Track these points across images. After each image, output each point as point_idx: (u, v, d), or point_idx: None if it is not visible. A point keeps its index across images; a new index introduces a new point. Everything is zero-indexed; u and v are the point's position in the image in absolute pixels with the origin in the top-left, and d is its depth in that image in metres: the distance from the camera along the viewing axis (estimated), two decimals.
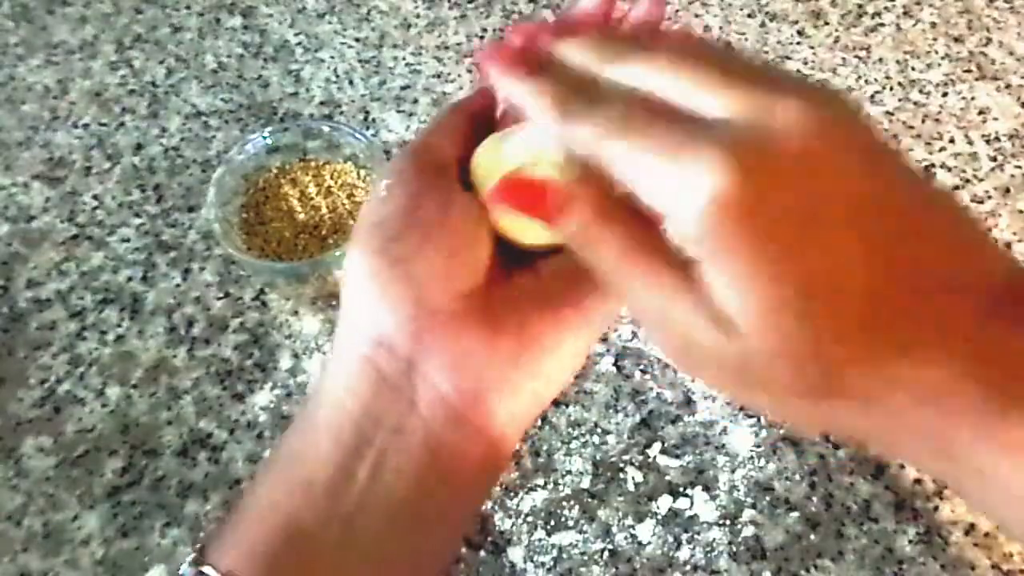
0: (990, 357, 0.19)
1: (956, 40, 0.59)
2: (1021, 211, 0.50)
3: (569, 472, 0.41)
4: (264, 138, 0.48)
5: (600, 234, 0.21)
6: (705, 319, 0.20)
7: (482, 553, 0.39)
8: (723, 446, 0.41)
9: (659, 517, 0.39)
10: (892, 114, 0.54)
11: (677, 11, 0.61)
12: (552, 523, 0.39)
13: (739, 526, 0.39)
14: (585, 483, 0.40)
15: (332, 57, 0.59)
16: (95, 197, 0.52)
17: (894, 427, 0.20)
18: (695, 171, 0.19)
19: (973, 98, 0.55)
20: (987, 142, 0.53)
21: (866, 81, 0.56)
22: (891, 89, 0.56)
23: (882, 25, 0.60)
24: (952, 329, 0.19)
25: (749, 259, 0.18)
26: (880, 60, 0.58)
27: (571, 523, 0.39)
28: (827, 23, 0.60)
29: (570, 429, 0.42)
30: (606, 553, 0.39)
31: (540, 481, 0.41)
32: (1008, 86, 0.56)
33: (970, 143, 0.53)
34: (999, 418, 0.19)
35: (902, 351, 0.19)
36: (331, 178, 0.48)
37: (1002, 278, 0.20)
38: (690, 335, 0.20)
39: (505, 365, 0.25)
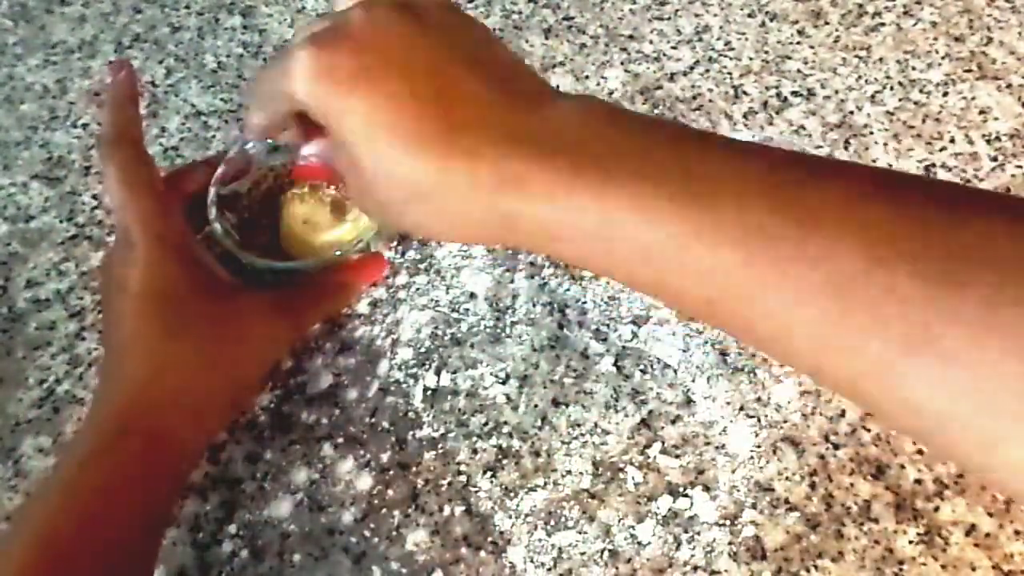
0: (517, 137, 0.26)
1: (957, 40, 0.58)
2: None
3: (569, 472, 0.41)
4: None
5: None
6: (346, 163, 0.29)
7: (482, 553, 0.39)
8: (723, 446, 0.41)
9: (659, 517, 0.39)
10: (892, 114, 0.54)
11: (677, 11, 0.61)
12: (552, 523, 0.39)
13: (739, 526, 0.39)
14: (585, 483, 0.40)
15: None
16: (94, 197, 0.52)
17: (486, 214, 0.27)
18: (289, 62, 0.28)
19: (974, 98, 0.55)
20: (988, 142, 0.53)
21: (866, 81, 0.56)
22: (891, 89, 0.56)
23: (882, 25, 0.60)
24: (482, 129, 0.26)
25: (338, 107, 0.27)
26: (880, 60, 0.57)
27: (571, 523, 0.39)
28: (827, 23, 0.60)
29: (570, 429, 0.42)
30: (606, 553, 0.39)
31: (540, 481, 0.41)
32: (1009, 86, 0.56)
33: (971, 143, 0.53)
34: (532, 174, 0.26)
35: (458, 148, 0.26)
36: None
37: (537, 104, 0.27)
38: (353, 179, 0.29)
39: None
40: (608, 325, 0.45)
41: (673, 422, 0.42)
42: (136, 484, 0.34)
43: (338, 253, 0.44)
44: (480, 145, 0.26)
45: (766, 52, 0.58)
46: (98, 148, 0.52)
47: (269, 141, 0.48)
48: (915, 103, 0.55)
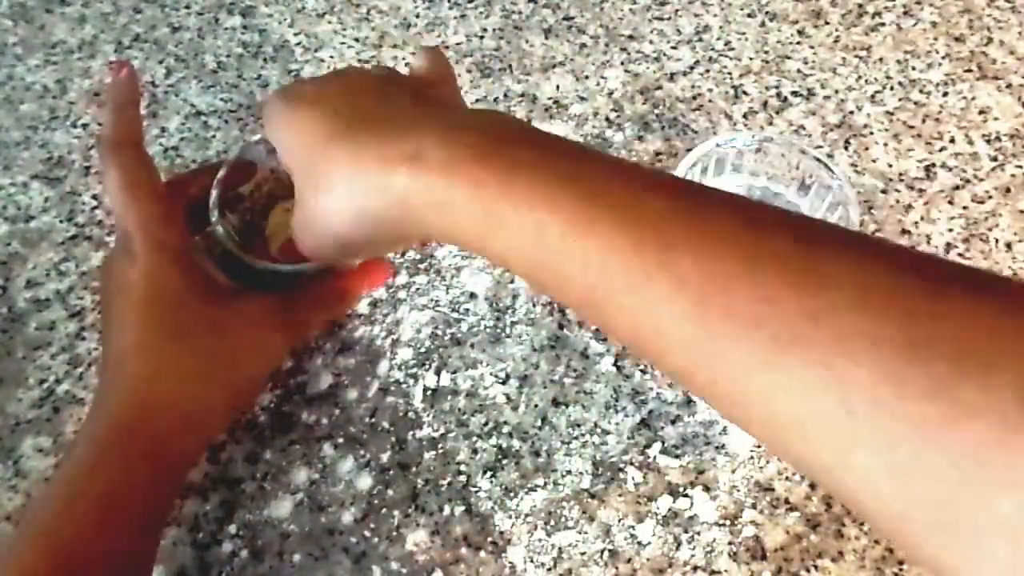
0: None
1: (957, 40, 0.59)
2: (1022, 211, 0.50)
3: (569, 472, 0.41)
4: (265, 139, 0.48)
5: None
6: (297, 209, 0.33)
7: (482, 553, 0.39)
8: (723, 446, 0.41)
9: (659, 517, 0.39)
10: (892, 114, 0.54)
11: (677, 11, 0.61)
12: (552, 523, 0.39)
13: (739, 526, 0.39)
14: (585, 483, 0.40)
15: (332, 57, 0.59)
16: (94, 197, 0.52)
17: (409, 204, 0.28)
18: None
19: (974, 98, 0.55)
20: (988, 142, 0.53)
21: (866, 81, 0.56)
22: (891, 89, 0.56)
23: (882, 25, 0.60)
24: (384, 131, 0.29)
25: (277, 127, 0.33)
26: (880, 60, 0.57)
27: (571, 523, 0.39)
28: (827, 23, 0.60)
29: (570, 429, 0.42)
30: (606, 553, 0.39)
31: (540, 481, 0.41)
32: (1009, 86, 0.56)
33: (971, 143, 0.53)
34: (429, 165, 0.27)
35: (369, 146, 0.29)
36: None
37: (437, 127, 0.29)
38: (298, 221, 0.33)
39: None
40: None
41: (673, 422, 0.42)
42: (137, 488, 0.35)
43: None
44: (385, 130, 0.29)
45: (766, 52, 0.58)
46: (99, 150, 0.51)
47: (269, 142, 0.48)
48: (915, 103, 0.55)
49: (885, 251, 0.23)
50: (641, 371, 0.44)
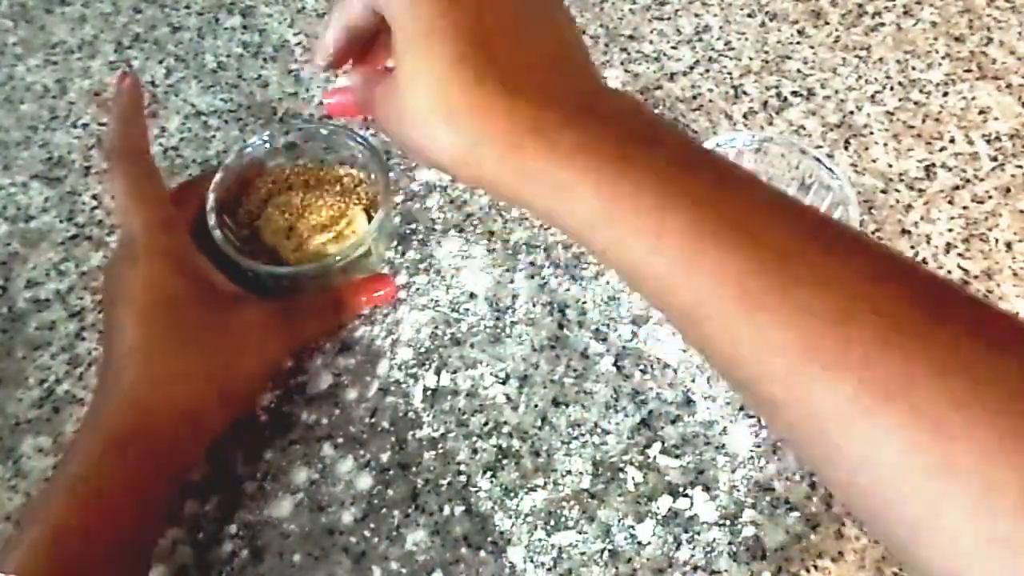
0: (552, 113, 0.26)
1: (957, 40, 0.59)
2: (1022, 211, 0.50)
3: (569, 472, 0.41)
4: (263, 141, 0.48)
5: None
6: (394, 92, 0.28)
7: (482, 553, 0.39)
8: (723, 446, 0.41)
9: (659, 517, 0.39)
10: (892, 114, 0.54)
11: (677, 11, 0.61)
12: (552, 523, 0.39)
13: (739, 526, 0.39)
14: (585, 483, 0.40)
15: None
16: (94, 197, 0.52)
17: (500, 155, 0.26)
18: None
19: (974, 98, 0.55)
20: (988, 142, 0.53)
21: (866, 81, 0.56)
22: (891, 89, 0.56)
23: (882, 25, 0.60)
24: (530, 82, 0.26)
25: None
26: (880, 60, 0.57)
27: (571, 523, 0.39)
28: (827, 23, 0.60)
29: (570, 429, 0.42)
30: (606, 553, 0.39)
31: (540, 481, 0.41)
32: (1009, 86, 0.56)
33: (971, 143, 0.53)
34: (523, 149, 0.25)
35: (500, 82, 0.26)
36: (330, 180, 0.48)
37: (587, 95, 0.27)
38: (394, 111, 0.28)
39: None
40: (608, 325, 0.45)
41: (673, 422, 0.42)
42: (139, 486, 0.35)
43: (338, 259, 0.44)
44: (524, 87, 0.26)
45: (766, 52, 0.58)
46: (104, 158, 0.53)
47: (267, 145, 0.48)
48: (915, 103, 0.55)
49: (987, 316, 0.22)
50: (641, 371, 0.44)
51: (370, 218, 0.46)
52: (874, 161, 0.52)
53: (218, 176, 0.45)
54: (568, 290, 0.47)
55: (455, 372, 0.44)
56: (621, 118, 0.26)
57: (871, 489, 0.22)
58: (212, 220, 0.43)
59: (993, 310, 0.23)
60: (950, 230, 0.49)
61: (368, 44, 0.34)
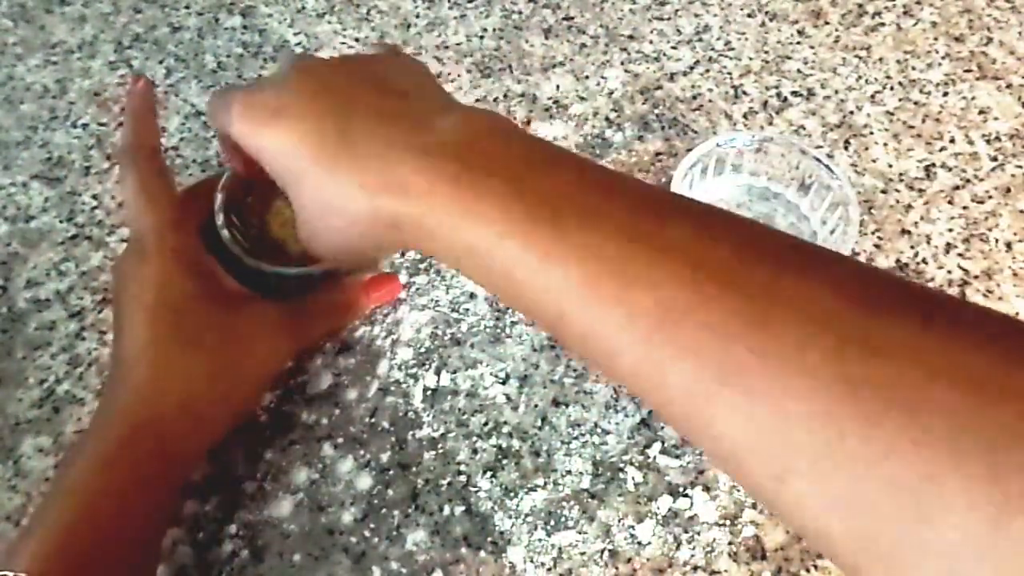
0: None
1: (957, 40, 0.59)
2: (1022, 211, 0.50)
3: (569, 472, 0.41)
4: None
5: None
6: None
7: (482, 553, 0.39)
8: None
9: (659, 517, 0.39)
10: (892, 114, 0.54)
11: (677, 11, 0.61)
12: (552, 523, 0.39)
13: (739, 526, 0.39)
14: (585, 483, 0.40)
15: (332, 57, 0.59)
16: (94, 197, 0.52)
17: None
18: (223, 102, 0.33)
19: (974, 98, 0.55)
20: (987, 142, 0.53)
21: (866, 81, 0.56)
22: (891, 89, 0.56)
23: (882, 25, 0.60)
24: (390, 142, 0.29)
25: (257, 142, 0.32)
26: (880, 60, 0.57)
27: (571, 523, 0.39)
28: (827, 23, 0.60)
29: (570, 429, 0.42)
30: (606, 553, 0.39)
31: (540, 481, 0.41)
32: (1009, 86, 0.56)
33: (970, 143, 0.53)
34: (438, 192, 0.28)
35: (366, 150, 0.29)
36: None
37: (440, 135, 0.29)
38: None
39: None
40: None
41: None
42: (147, 485, 0.35)
43: None
44: (368, 155, 0.29)
45: (766, 52, 0.58)
46: (115, 157, 0.53)
47: None
48: (915, 103, 0.55)
49: (832, 276, 0.24)
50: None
51: None
52: (874, 161, 0.52)
53: (225, 176, 0.45)
54: None
55: (455, 372, 0.44)
56: (461, 145, 0.29)
57: (732, 464, 0.24)
58: (220, 219, 0.43)
59: (835, 263, 0.24)
60: (950, 230, 0.49)
61: None
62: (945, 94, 0.55)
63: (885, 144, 0.53)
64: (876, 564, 0.21)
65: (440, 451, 0.42)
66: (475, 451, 0.42)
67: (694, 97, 0.56)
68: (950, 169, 0.52)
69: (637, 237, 0.25)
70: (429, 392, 0.44)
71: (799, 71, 0.57)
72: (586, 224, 0.25)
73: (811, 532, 0.22)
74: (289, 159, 0.31)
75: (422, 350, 0.45)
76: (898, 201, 0.50)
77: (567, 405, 0.43)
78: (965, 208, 0.50)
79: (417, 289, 0.47)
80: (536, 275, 0.26)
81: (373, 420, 0.43)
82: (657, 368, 0.24)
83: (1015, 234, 0.49)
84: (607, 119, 0.55)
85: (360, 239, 0.30)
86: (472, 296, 0.47)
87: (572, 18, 0.61)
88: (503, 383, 0.44)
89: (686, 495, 0.40)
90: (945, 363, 0.21)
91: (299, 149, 0.30)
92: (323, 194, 0.30)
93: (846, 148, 0.53)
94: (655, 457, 0.41)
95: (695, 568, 0.38)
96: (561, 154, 0.29)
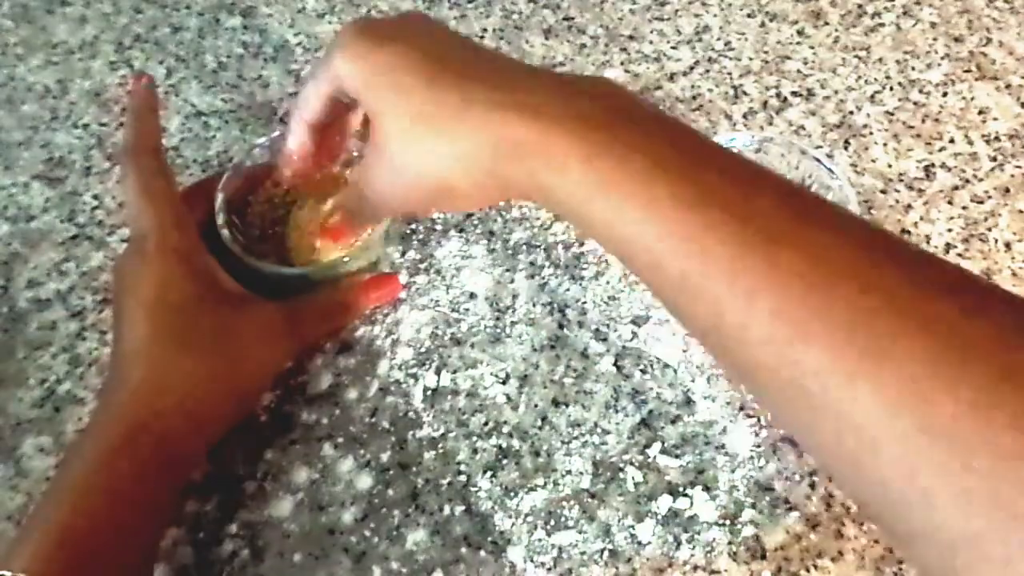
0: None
1: (956, 40, 0.59)
2: (1021, 211, 0.50)
3: (569, 472, 0.41)
4: (271, 141, 0.48)
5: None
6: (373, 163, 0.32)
7: (482, 553, 0.39)
8: (723, 446, 0.41)
9: (659, 517, 0.39)
10: (892, 114, 0.54)
11: (677, 11, 0.61)
12: (552, 523, 0.39)
13: (739, 526, 0.39)
14: (585, 483, 0.40)
15: None
16: (95, 197, 0.52)
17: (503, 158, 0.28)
18: (337, 36, 0.32)
19: (973, 98, 0.55)
20: (987, 142, 0.53)
21: (866, 81, 0.56)
22: (891, 89, 0.56)
23: (882, 25, 0.60)
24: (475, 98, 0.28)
25: (371, 61, 0.30)
26: (880, 60, 0.58)
27: (571, 523, 0.39)
28: (827, 23, 0.60)
29: (570, 429, 0.42)
30: (606, 553, 0.39)
31: (540, 481, 0.41)
32: (1008, 86, 0.56)
33: (970, 143, 0.53)
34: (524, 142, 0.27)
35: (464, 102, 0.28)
36: (337, 181, 0.48)
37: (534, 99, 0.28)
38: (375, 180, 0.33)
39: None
40: (608, 325, 0.45)
41: (673, 422, 0.42)
42: (146, 484, 0.35)
43: (346, 259, 0.44)
44: (500, 80, 0.28)
45: (766, 52, 0.58)
46: (117, 156, 0.53)
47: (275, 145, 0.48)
48: (915, 103, 0.55)
49: (964, 281, 0.23)
50: (641, 371, 0.44)
51: None
52: (874, 161, 0.52)
53: (226, 176, 0.45)
54: (568, 290, 0.47)
55: (455, 372, 0.44)
56: (597, 94, 0.27)
57: (851, 451, 0.22)
58: (220, 219, 0.44)
59: (971, 278, 0.23)
60: (949, 230, 0.49)
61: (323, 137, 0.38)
62: (945, 94, 0.55)
63: (885, 144, 0.53)
64: (988, 565, 0.20)
65: (440, 451, 0.42)
66: (475, 451, 0.42)
67: (694, 97, 0.56)
68: (949, 169, 0.52)
69: (779, 237, 0.24)
70: (429, 392, 0.44)
71: (799, 71, 0.57)
72: (731, 212, 0.24)
73: (929, 530, 0.21)
74: (406, 72, 0.29)
75: (422, 350, 0.45)
76: (898, 201, 0.50)
77: (567, 405, 0.43)
78: (964, 208, 0.50)
79: (417, 289, 0.47)
80: (670, 228, 0.25)
81: (373, 420, 0.43)
82: (790, 341, 0.22)
83: (1014, 234, 0.49)
84: None
85: (461, 165, 0.28)
86: (472, 296, 0.47)
87: (572, 18, 0.61)
88: (503, 383, 0.44)
89: (686, 495, 0.40)
90: None
91: (421, 63, 0.29)
92: (436, 106, 0.28)
93: (846, 148, 0.53)
94: (655, 457, 0.41)
95: (695, 568, 0.38)
96: (704, 142, 0.27)
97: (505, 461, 0.41)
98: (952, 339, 0.21)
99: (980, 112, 0.54)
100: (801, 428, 0.24)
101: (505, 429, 0.42)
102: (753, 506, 0.40)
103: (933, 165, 0.52)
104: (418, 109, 0.29)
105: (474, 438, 0.42)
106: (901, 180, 0.51)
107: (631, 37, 0.59)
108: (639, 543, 0.39)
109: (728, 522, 0.39)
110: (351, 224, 0.39)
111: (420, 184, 0.30)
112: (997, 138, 0.53)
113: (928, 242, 0.48)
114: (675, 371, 0.44)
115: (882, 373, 0.21)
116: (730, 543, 0.39)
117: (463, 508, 0.40)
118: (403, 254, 0.48)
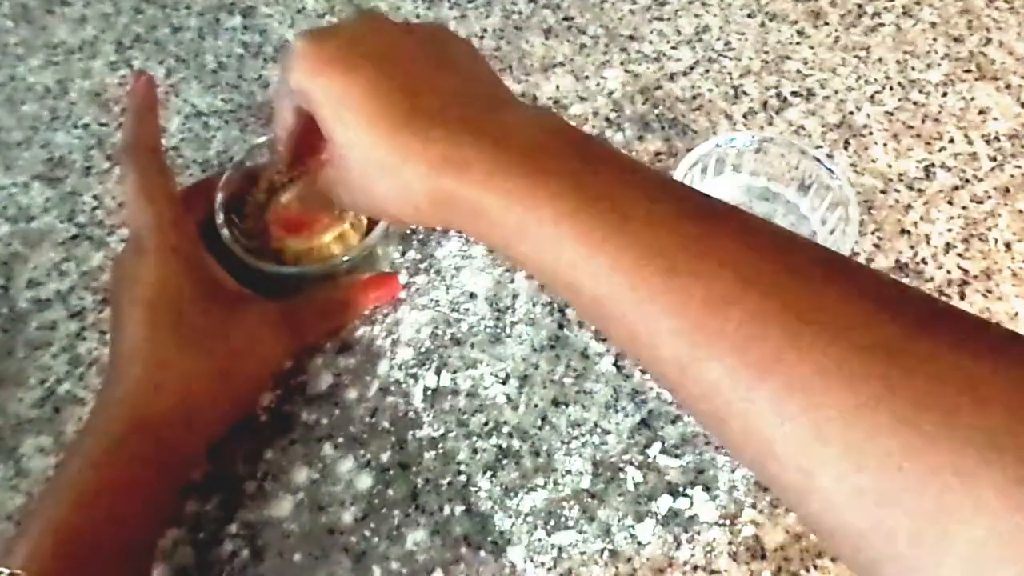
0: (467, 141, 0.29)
1: (956, 40, 0.59)
2: (1021, 211, 0.50)
3: (569, 472, 0.41)
4: (269, 143, 0.48)
5: None
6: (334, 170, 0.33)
7: (482, 553, 0.39)
8: (723, 446, 0.41)
9: (659, 517, 0.39)
10: (892, 114, 0.54)
11: (677, 11, 0.61)
12: (552, 523, 0.39)
13: (739, 526, 0.39)
14: (585, 483, 0.40)
15: None
16: (95, 197, 0.52)
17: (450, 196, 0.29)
18: (287, 52, 0.32)
19: (973, 98, 0.55)
20: (987, 142, 0.53)
21: (866, 81, 0.56)
22: (891, 89, 0.56)
23: (882, 25, 0.60)
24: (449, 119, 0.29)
25: (318, 83, 0.31)
26: (880, 60, 0.58)
27: (571, 523, 0.39)
28: (827, 23, 0.60)
29: (570, 429, 0.42)
30: (606, 553, 0.39)
31: (540, 481, 0.41)
32: (1008, 86, 0.56)
33: (970, 143, 0.53)
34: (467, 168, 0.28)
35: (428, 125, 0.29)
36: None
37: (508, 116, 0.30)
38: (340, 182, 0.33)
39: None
40: None
41: (673, 422, 0.42)
42: (144, 483, 0.35)
43: (345, 259, 0.44)
44: (435, 129, 0.29)
45: (766, 52, 0.58)
46: (118, 155, 0.53)
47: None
48: (914, 103, 0.55)
49: (873, 286, 0.24)
50: (641, 371, 0.44)
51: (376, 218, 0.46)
52: (874, 161, 0.52)
53: (225, 175, 0.45)
54: None
55: (455, 372, 0.44)
56: (526, 138, 0.29)
57: (759, 459, 0.24)
58: (220, 218, 0.44)
59: (874, 277, 0.25)
60: (949, 230, 0.49)
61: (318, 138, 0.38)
62: (944, 94, 0.55)
63: (885, 144, 0.53)
64: (895, 562, 0.21)
65: (440, 451, 0.42)
66: (475, 451, 0.42)
67: (694, 97, 0.56)
68: (949, 169, 0.52)
69: (687, 238, 0.25)
70: (429, 392, 0.44)
71: (799, 71, 0.57)
72: (643, 219, 0.26)
73: (833, 527, 0.22)
74: (349, 110, 0.30)
75: (422, 350, 0.45)
76: (898, 201, 0.50)
77: (567, 405, 0.43)
78: (964, 208, 0.50)
79: (417, 289, 0.47)
80: (586, 261, 0.26)
81: (373, 420, 0.43)
82: (695, 360, 0.24)
83: (1014, 234, 0.49)
84: (607, 119, 0.55)
85: (403, 204, 0.30)
86: (472, 296, 0.47)
87: (572, 18, 0.61)
88: (503, 383, 0.44)
89: (686, 495, 0.40)
90: (980, 372, 0.21)
91: (364, 102, 0.30)
92: (376, 153, 0.30)
93: (846, 148, 0.53)
94: (655, 457, 0.41)
95: (695, 568, 0.38)
96: (616, 154, 0.29)
97: (505, 461, 0.41)
98: (839, 342, 0.22)
99: (980, 112, 0.54)
100: (717, 435, 0.26)
101: (505, 429, 0.42)
102: (753, 506, 0.40)
103: (933, 165, 0.52)
104: (366, 151, 0.30)
105: (474, 438, 0.42)
106: (901, 180, 0.51)
107: (631, 37, 0.59)
108: (639, 543, 0.39)
109: (728, 522, 0.39)
110: (309, 216, 0.40)
111: (372, 211, 0.33)
112: (997, 138, 0.53)
113: (928, 242, 0.48)
114: None
115: (776, 383, 0.23)
116: (730, 543, 0.39)
117: (463, 508, 0.40)
118: (403, 254, 0.48)
